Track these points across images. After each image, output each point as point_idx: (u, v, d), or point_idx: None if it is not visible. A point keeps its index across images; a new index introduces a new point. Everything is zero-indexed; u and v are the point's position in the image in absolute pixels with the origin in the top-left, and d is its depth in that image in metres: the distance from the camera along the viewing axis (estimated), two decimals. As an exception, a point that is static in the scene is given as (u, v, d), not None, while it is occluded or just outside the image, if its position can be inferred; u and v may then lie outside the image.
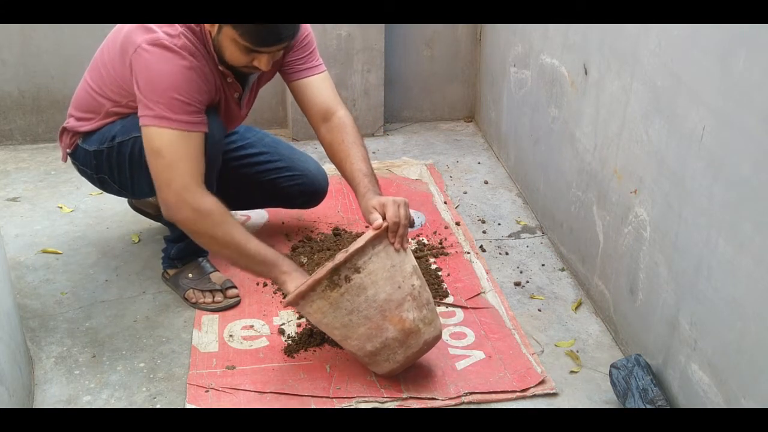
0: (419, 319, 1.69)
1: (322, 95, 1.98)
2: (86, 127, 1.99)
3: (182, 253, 2.11)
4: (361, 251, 1.65)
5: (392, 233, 1.69)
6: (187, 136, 1.75)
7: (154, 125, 1.74)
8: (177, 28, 1.75)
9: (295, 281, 1.74)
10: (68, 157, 2.12)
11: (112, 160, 1.97)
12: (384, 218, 1.69)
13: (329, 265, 1.64)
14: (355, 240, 1.68)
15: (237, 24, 1.67)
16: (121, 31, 1.82)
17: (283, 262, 1.79)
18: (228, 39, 1.72)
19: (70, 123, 2.03)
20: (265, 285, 2.16)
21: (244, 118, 2.09)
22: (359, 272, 1.65)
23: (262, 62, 1.75)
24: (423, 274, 2.14)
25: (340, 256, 1.63)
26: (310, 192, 2.30)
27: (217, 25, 1.71)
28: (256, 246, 1.78)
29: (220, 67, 1.83)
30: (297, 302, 1.69)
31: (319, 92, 1.98)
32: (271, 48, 1.73)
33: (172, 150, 1.74)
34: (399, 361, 1.72)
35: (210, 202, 1.77)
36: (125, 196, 2.26)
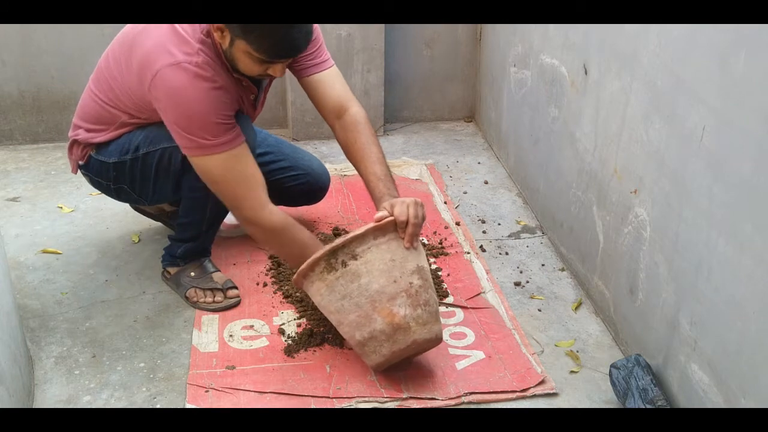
0: (411, 317, 1.70)
1: (334, 91, 1.98)
2: (99, 138, 1.98)
3: (189, 253, 2.11)
4: (360, 239, 1.69)
5: (401, 230, 1.71)
6: (233, 154, 1.78)
7: (200, 155, 1.77)
8: (194, 45, 1.74)
9: None
10: (78, 169, 2.10)
11: (135, 170, 1.97)
12: (391, 215, 1.71)
13: (327, 247, 1.70)
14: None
15: (251, 39, 1.66)
16: (131, 44, 1.80)
17: None
18: (241, 52, 1.71)
19: (81, 135, 2.01)
20: (265, 285, 2.16)
21: (256, 117, 2.10)
22: (356, 259, 1.69)
23: (277, 70, 1.77)
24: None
25: (339, 240, 1.69)
26: (314, 190, 2.33)
27: (228, 39, 1.71)
28: None
29: (234, 75, 1.83)
30: (301, 281, 1.76)
31: (330, 88, 1.98)
32: (286, 60, 1.74)
33: (226, 175, 1.79)
34: (385, 355, 1.73)
35: (276, 223, 1.83)
36: (139, 204, 2.26)
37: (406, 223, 1.70)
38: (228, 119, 1.77)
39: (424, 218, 1.74)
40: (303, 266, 1.72)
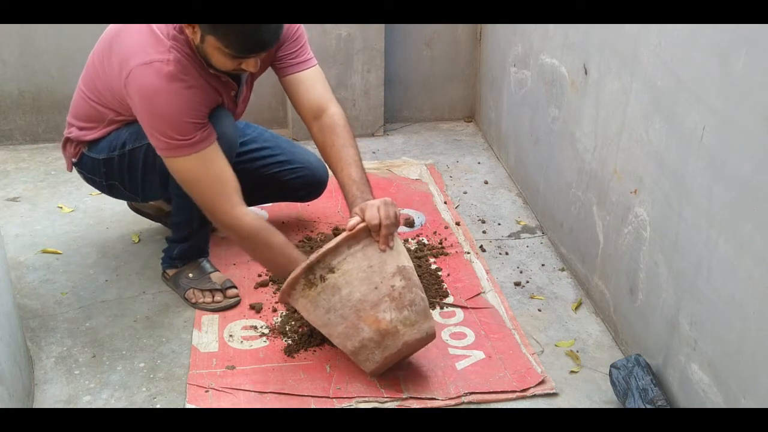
0: (398, 321, 1.69)
1: (314, 91, 1.97)
2: (90, 135, 2.00)
3: (185, 254, 2.11)
4: (333, 251, 1.68)
5: (375, 234, 1.70)
6: (203, 155, 1.78)
7: (172, 156, 1.78)
8: (165, 43, 1.75)
9: None
10: (73, 167, 2.11)
11: (123, 166, 1.98)
12: (363, 220, 1.70)
13: (303, 264, 1.68)
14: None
15: (220, 34, 1.66)
16: (110, 43, 1.82)
17: None
18: (212, 47, 1.71)
19: (73, 133, 2.03)
20: (265, 285, 2.16)
21: (241, 115, 2.10)
22: (333, 272, 1.68)
23: (250, 65, 1.75)
24: (423, 274, 2.14)
25: (313, 256, 1.68)
26: (312, 183, 2.31)
27: (199, 35, 1.71)
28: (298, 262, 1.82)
29: (211, 71, 1.82)
30: (285, 299, 1.76)
31: (311, 88, 1.97)
32: (257, 55, 1.73)
33: (198, 176, 1.80)
34: (378, 362, 1.73)
35: (248, 226, 1.83)
36: (133, 200, 2.27)
37: (379, 225, 1.69)
38: (199, 119, 1.77)
39: (396, 216, 1.72)
40: (284, 285, 1.72)
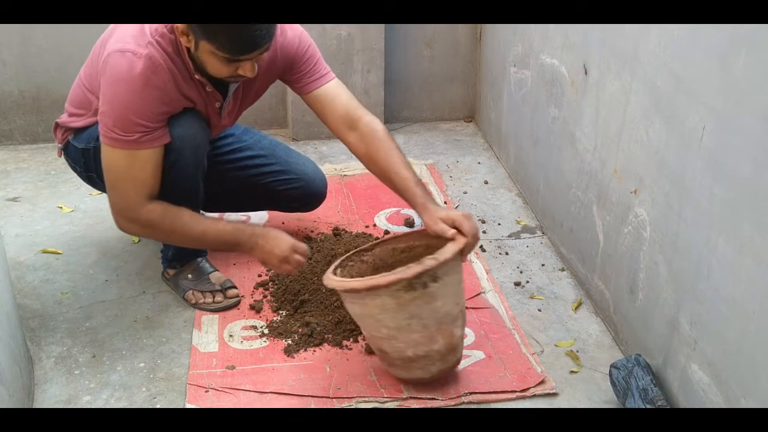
0: (460, 337, 1.72)
1: (341, 102, 1.95)
2: (77, 123, 2.00)
3: (180, 254, 2.10)
4: (449, 261, 1.63)
5: (469, 248, 1.70)
6: (135, 155, 1.78)
7: (105, 143, 1.79)
8: (147, 38, 1.74)
9: (266, 243, 1.86)
10: (62, 153, 2.12)
11: (98, 158, 1.96)
12: (458, 231, 1.69)
13: (417, 268, 1.60)
14: (442, 250, 1.64)
15: (212, 37, 1.66)
16: (108, 35, 1.84)
17: (241, 238, 1.88)
18: (206, 53, 1.70)
19: (63, 118, 2.04)
20: (265, 285, 2.15)
21: (226, 127, 2.08)
22: (436, 282, 1.63)
23: (246, 69, 1.73)
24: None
25: (430, 263, 1.60)
26: (308, 196, 2.28)
27: (193, 42, 1.70)
28: (213, 234, 1.88)
29: (196, 76, 1.81)
30: (362, 292, 1.64)
31: (336, 100, 1.95)
32: (250, 55, 1.71)
33: (116, 170, 1.81)
34: (433, 373, 1.72)
35: (151, 215, 1.83)
36: None
37: (477, 239, 1.71)
38: (147, 121, 1.76)
39: None
40: (380, 280, 1.60)
